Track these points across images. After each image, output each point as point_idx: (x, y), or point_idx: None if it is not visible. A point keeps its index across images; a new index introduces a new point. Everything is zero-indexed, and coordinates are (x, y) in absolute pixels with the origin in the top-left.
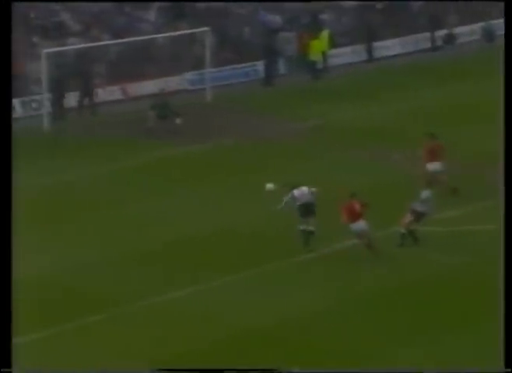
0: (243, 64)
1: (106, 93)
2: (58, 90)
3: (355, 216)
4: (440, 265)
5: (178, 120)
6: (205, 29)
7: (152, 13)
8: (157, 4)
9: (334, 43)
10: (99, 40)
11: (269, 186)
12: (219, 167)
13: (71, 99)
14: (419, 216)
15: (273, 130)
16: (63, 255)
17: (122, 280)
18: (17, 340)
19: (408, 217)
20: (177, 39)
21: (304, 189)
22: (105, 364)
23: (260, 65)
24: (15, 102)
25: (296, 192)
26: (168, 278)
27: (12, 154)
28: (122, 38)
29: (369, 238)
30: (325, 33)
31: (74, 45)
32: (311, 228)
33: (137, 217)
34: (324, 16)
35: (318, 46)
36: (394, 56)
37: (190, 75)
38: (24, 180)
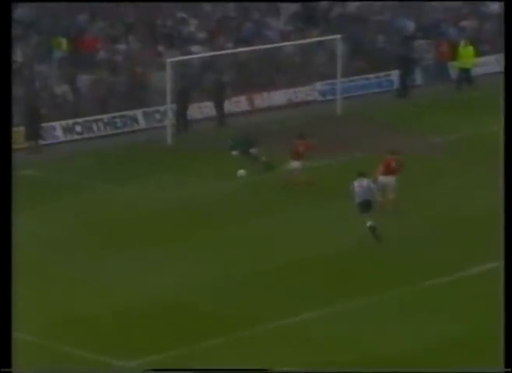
0: (377, 74)
1: (232, 104)
2: (182, 101)
3: (389, 171)
4: None
5: (253, 150)
6: (336, 36)
7: (281, 20)
8: (288, 10)
9: (476, 52)
10: (224, 49)
11: (240, 172)
12: (348, 182)
13: (195, 111)
14: None
15: (407, 144)
16: (186, 274)
17: (246, 301)
18: (134, 363)
19: None
20: (306, 47)
21: (365, 183)
22: None
23: (394, 75)
24: (138, 113)
25: (356, 184)
26: (293, 299)
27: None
28: (249, 46)
29: (395, 198)
30: (466, 41)
31: (198, 53)
32: (371, 223)
33: (262, 233)
34: (465, 23)
35: (465, 53)
36: None
37: (320, 86)
38: (145, 194)
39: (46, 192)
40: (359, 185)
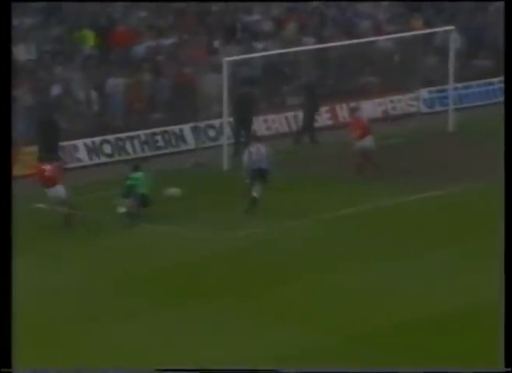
0: (502, 78)
1: None
2: (243, 112)
3: (365, 132)
4: None
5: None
6: (450, 27)
7: (374, 6)
8: None
9: None
10: (298, 44)
11: (173, 190)
12: (465, 217)
13: (260, 125)
14: None
15: None
16: (262, 338)
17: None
18: None
19: None
20: (409, 41)
21: (263, 149)
22: None
23: None
24: (185, 128)
25: (252, 150)
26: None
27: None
28: (330, 41)
29: (376, 162)
30: None
31: (263, 50)
32: (255, 194)
33: (362, 283)
34: None
35: None
36: None
37: (426, 93)
38: (193, 235)
39: (64, 231)
40: (257, 152)
